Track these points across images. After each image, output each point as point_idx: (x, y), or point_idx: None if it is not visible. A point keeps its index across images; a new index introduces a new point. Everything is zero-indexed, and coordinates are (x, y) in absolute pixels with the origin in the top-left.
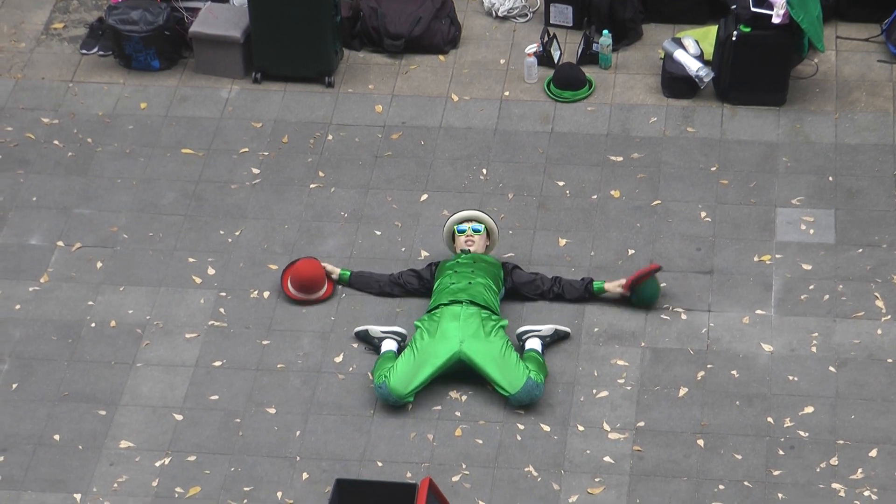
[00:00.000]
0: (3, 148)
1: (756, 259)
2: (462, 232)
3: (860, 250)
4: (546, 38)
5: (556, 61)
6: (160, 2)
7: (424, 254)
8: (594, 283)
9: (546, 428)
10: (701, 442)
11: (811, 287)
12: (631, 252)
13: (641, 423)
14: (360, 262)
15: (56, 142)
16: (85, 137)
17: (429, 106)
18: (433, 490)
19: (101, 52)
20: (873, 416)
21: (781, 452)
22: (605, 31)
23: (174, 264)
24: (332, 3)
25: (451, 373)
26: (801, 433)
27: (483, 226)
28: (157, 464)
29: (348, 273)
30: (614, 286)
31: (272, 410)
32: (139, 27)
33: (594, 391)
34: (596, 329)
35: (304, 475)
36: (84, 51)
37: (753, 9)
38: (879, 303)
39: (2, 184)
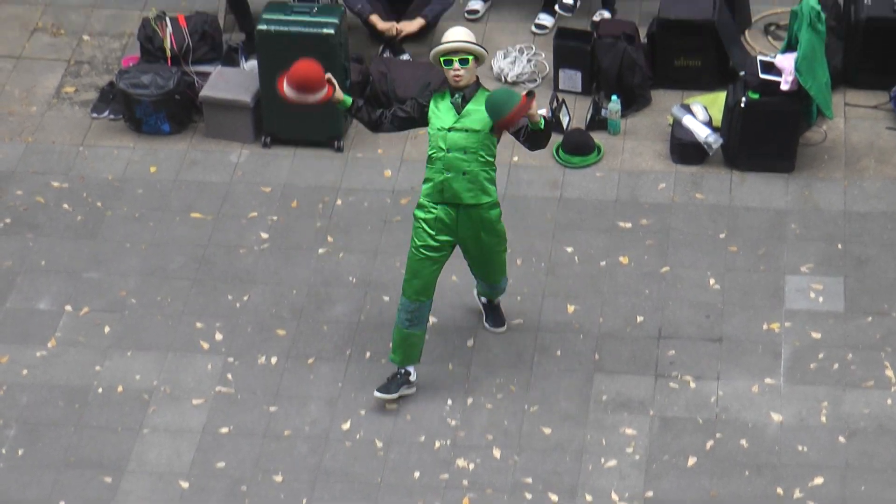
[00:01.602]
0: (12, 212)
1: (765, 327)
2: (449, 65)
3: (870, 319)
4: (555, 104)
5: (564, 127)
6: (171, 66)
7: (432, 319)
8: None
9: (554, 497)
10: None
11: (820, 356)
12: (640, 319)
13: (650, 493)
14: (369, 328)
15: (65, 205)
16: (94, 201)
17: None
18: None
19: (111, 116)
20: (883, 487)
21: None
22: (614, 97)
23: (182, 329)
24: (342, 68)
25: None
26: None
27: (470, 57)
28: None
29: (350, 101)
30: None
31: (279, 478)
32: (150, 91)
33: (602, 460)
34: (604, 397)
35: None
36: (95, 115)
37: (762, 75)
38: (889, 372)
39: (11, 247)
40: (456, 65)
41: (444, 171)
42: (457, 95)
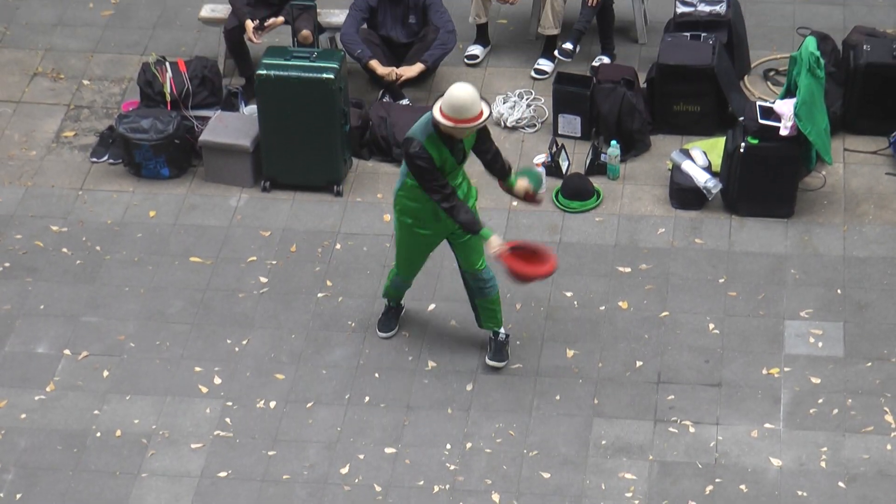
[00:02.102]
0: (11, 255)
1: (765, 372)
2: (462, 130)
3: (869, 364)
4: (554, 149)
5: (564, 171)
6: (170, 110)
7: (431, 364)
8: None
9: None
10: None
11: (820, 401)
12: (639, 363)
13: None
14: (367, 372)
15: (64, 249)
16: (93, 245)
17: None
18: None
19: (111, 161)
20: None
21: None
22: (614, 142)
23: (181, 373)
24: (342, 113)
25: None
26: None
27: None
28: None
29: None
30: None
31: None
32: (149, 135)
33: None
34: (603, 442)
35: None
36: (94, 159)
37: (761, 121)
38: (889, 417)
39: (10, 291)
40: (468, 130)
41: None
42: (459, 144)
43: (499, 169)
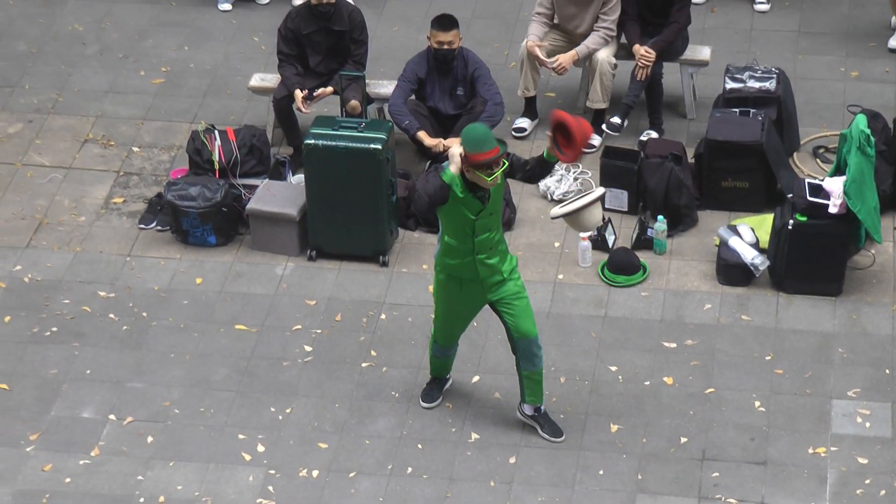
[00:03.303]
0: (59, 320)
1: (811, 451)
2: (489, 174)
3: None
4: (601, 223)
5: (610, 246)
6: (218, 178)
7: (475, 436)
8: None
9: None
10: None
11: (867, 482)
12: (684, 440)
13: None
14: (411, 443)
15: (111, 315)
16: (140, 311)
17: None
18: None
19: (158, 228)
20: None
21: None
22: (660, 217)
23: (224, 440)
24: (389, 183)
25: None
26: None
27: (505, 160)
28: None
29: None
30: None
31: None
32: (197, 203)
33: None
34: None
35: None
36: (142, 226)
37: (810, 198)
38: None
39: (57, 356)
40: (497, 174)
41: (473, 253)
42: (480, 191)
43: (537, 165)
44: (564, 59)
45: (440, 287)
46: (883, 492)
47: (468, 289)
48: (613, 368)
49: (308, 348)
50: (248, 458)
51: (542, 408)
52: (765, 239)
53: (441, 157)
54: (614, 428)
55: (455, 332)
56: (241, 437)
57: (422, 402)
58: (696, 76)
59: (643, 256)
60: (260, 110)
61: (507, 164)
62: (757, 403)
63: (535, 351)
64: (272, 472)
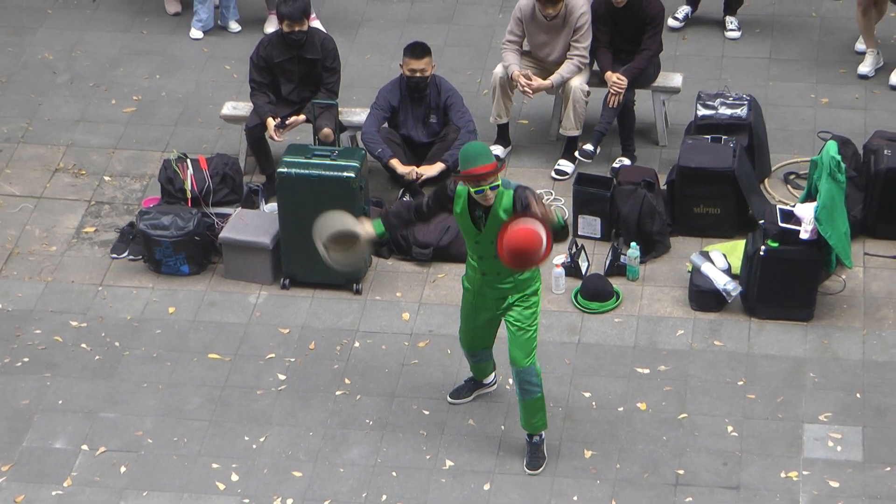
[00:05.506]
0: (30, 350)
1: (783, 475)
2: (481, 193)
3: (888, 469)
4: (574, 250)
5: (583, 272)
6: (191, 207)
7: (449, 463)
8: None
9: None
10: None
11: None
12: (657, 466)
13: None
14: (385, 471)
15: (84, 345)
16: (112, 341)
17: (456, 314)
18: None
19: (131, 257)
20: None
21: None
22: (633, 244)
23: (198, 470)
24: (362, 211)
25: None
26: None
27: (499, 179)
28: None
29: (382, 228)
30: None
31: None
32: (170, 232)
33: None
34: None
35: None
36: (114, 255)
37: (781, 224)
38: None
39: (28, 387)
40: (488, 192)
41: (482, 273)
42: (479, 211)
43: None
44: (540, 85)
45: (463, 292)
46: None
47: (478, 302)
48: (587, 394)
49: (282, 377)
50: (222, 487)
51: (535, 438)
52: (737, 265)
53: (413, 184)
54: (588, 454)
55: (474, 340)
56: (214, 466)
57: (448, 398)
58: (668, 103)
59: (616, 283)
60: (232, 139)
61: (505, 191)
62: (730, 428)
63: (527, 379)
64: (246, 500)
